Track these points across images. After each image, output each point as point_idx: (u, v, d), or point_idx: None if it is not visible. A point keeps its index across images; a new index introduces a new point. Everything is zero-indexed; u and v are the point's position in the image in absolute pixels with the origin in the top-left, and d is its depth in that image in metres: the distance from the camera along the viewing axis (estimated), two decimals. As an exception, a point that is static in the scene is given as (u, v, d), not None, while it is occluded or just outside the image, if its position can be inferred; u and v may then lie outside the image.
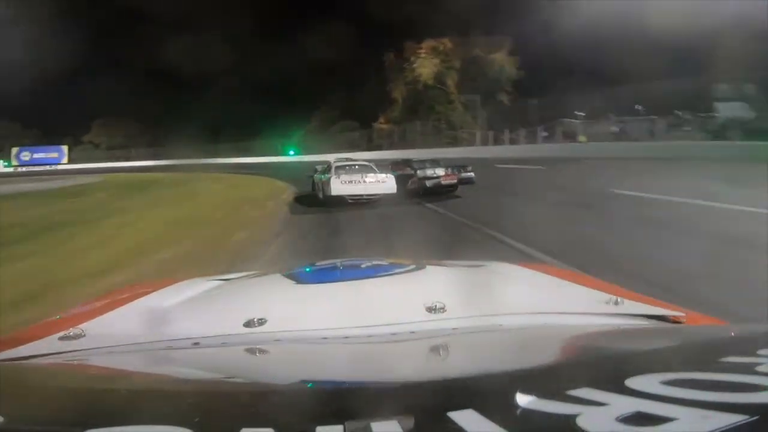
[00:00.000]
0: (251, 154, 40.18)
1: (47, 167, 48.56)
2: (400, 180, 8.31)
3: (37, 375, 0.53)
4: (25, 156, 51.90)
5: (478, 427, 0.28)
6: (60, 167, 49.23)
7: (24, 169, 49.35)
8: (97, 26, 48.07)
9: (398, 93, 31.08)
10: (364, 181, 7.62)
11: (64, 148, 52.49)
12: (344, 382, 0.46)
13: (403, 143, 28.48)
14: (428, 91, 29.36)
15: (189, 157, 44.90)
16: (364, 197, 7.60)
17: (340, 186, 7.46)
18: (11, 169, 49.63)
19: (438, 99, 29.07)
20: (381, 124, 33.12)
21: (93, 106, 49.81)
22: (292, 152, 38.09)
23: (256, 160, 36.57)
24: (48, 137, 51.90)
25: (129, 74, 48.66)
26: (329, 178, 7.61)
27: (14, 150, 51.38)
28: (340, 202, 7.47)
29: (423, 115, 28.90)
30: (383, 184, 7.73)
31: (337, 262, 1.20)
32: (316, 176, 8.77)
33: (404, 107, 30.90)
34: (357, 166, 8.22)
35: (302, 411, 0.34)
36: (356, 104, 36.06)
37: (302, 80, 43.75)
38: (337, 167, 7.98)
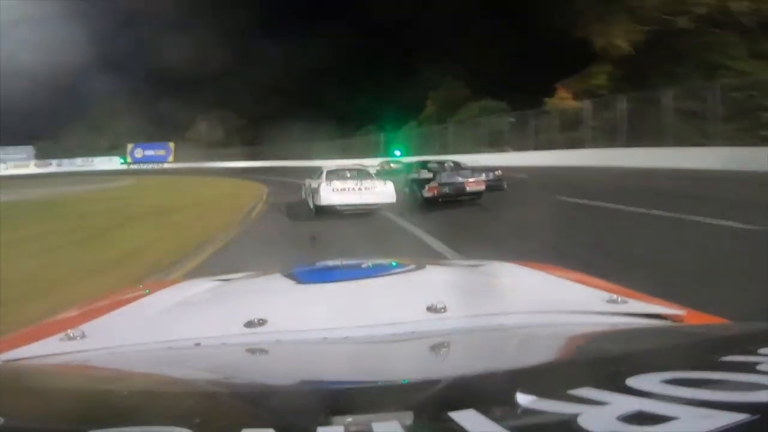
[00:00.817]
0: (350, 154, 29.88)
1: (155, 165, 47.30)
2: (416, 186, 7.60)
3: (38, 376, 0.53)
4: (138, 153, 51.60)
5: (479, 426, 0.28)
6: (166, 165, 47.52)
7: (135, 166, 48.89)
8: (204, 22, 45.86)
9: (608, 40, 15.41)
10: (359, 189, 6.70)
11: (171, 145, 50.79)
12: (345, 383, 0.46)
13: (638, 137, 13.60)
14: (686, 34, 13.48)
15: (284, 157, 37.81)
16: (359, 207, 6.73)
17: (331, 195, 6.57)
18: (125, 166, 49.85)
19: (713, 47, 13.12)
20: (562, 99, 18.49)
21: (200, 102, 46.95)
22: (398, 152, 26.47)
23: (354, 162, 26.01)
24: (161, 134, 50.97)
25: (232, 69, 44.71)
26: (319, 186, 6.70)
27: (129, 146, 51.69)
28: (332, 212, 6.69)
29: (674, 77, 13.36)
30: (381, 192, 6.85)
31: (338, 261, 1.23)
32: (307, 181, 7.99)
33: (625, 65, 15.57)
34: (352, 172, 7.39)
35: (303, 411, 0.34)
36: (505, 68, 21.56)
37: (422, 43, 31.31)
38: (329, 173, 7.16)
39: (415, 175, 7.98)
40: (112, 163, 50.22)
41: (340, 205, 6.62)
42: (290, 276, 0.98)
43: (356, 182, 6.79)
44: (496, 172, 7.70)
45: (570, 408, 0.29)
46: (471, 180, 7.18)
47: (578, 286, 0.88)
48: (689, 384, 0.32)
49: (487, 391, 0.36)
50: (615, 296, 0.75)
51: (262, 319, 0.67)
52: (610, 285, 0.89)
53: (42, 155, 50.44)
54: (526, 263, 1.13)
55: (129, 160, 50.86)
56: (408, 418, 0.30)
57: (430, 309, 0.69)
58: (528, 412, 0.30)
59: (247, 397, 0.40)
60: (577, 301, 0.77)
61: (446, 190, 7.07)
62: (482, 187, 7.22)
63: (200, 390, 0.45)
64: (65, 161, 49.97)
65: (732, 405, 0.28)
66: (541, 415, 0.29)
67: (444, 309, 0.68)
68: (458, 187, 7.11)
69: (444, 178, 7.19)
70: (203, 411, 0.34)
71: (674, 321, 0.69)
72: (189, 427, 0.29)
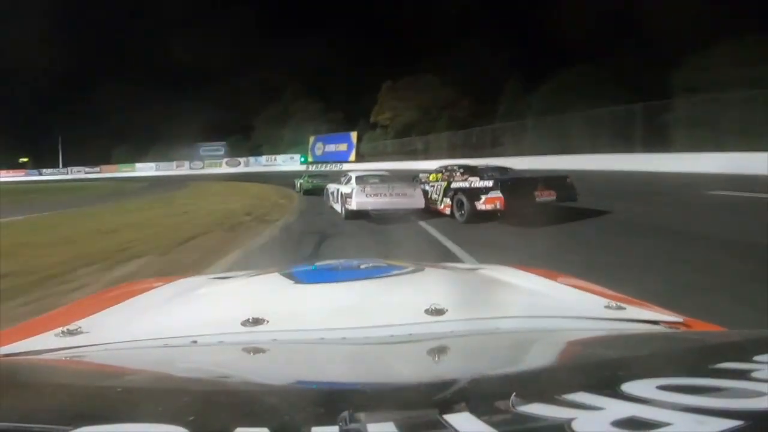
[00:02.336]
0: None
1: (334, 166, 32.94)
2: (464, 196, 5.94)
3: (34, 371, 0.53)
4: (318, 149, 38.91)
5: (474, 429, 0.28)
6: (346, 166, 32.35)
7: (313, 167, 35.95)
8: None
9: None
10: (390, 194, 6.51)
11: (353, 137, 35.42)
12: (341, 383, 0.46)
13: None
14: None
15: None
16: (390, 212, 6.57)
17: (364, 199, 6.43)
18: (304, 167, 37.99)
19: None
20: None
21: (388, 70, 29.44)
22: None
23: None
24: (348, 121, 36.59)
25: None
26: (352, 191, 6.60)
27: (311, 139, 39.49)
28: (363, 216, 6.60)
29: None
30: (410, 198, 6.62)
31: (337, 262, 1.21)
32: (332, 186, 8.21)
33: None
34: (381, 177, 7.44)
35: (298, 411, 0.34)
36: None
37: None
38: (359, 178, 7.19)
39: (462, 184, 6.16)
40: (294, 162, 39.42)
41: (372, 210, 6.55)
42: (288, 276, 0.97)
43: (387, 187, 6.63)
44: (567, 180, 5.99)
45: (564, 413, 0.29)
46: (541, 189, 5.58)
47: (576, 292, 0.88)
48: (684, 390, 0.32)
49: (482, 395, 0.35)
50: (612, 302, 0.74)
51: (259, 318, 0.67)
52: (608, 291, 0.89)
53: (232, 152, 44.74)
54: (524, 267, 1.11)
55: (310, 158, 38.78)
56: (403, 419, 0.29)
57: (428, 311, 0.68)
58: (523, 416, 0.29)
59: (242, 395, 0.39)
60: (574, 306, 0.76)
61: (514, 202, 5.43)
62: (553, 198, 5.64)
63: (195, 388, 0.44)
64: (252, 159, 42.42)
65: (726, 412, 0.28)
66: (536, 419, 0.29)
67: (442, 312, 0.68)
68: (527, 198, 5.48)
69: (510, 186, 5.60)
70: (198, 409, 0.34)
71: (671, 327, 0.68)
72: (183, 425, 0.28)
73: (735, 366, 0.37)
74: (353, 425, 0.29)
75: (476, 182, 5.90)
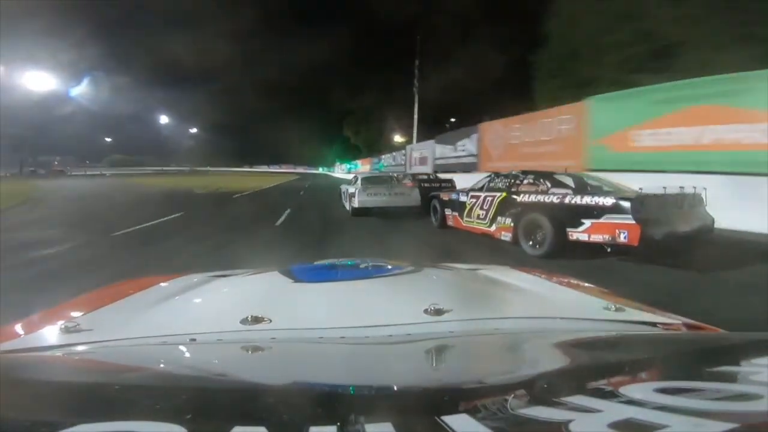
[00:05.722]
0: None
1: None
2: (545, 216, 4.20)
3: (34, 368, 0.53)
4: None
5: (472, 431, 0.28)
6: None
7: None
8: None
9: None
10: (390, 194, 8.10)
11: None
12: (339, 384, 0.45)
13: None
14: None
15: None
16: (389, 209, 7.95)
17: (366, 198, 8.00)
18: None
19: None
20: None
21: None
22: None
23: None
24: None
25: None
26: (356, 191, 8.09)
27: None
28: (367, 213, 8.00)
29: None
30: (408, 196, 8.13)
31: (336, 261, 1.25)
32: (344, 187, 9.87)
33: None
34: (383, 179, 8.93)
35: (296, 411, 0.34)
36: None
37: None
38: (364, 179, 8.60)
39: (539, 197, 4.32)
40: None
41: (373, 207, 7.97)
42: (288, 274, 0.98)
43: (387, 188, 8.16)
44: (699, 194, 4.10)
45: (562, 415, 0.29)
46: (685, 214, 3.93)
47: (575, 293, 0.87)
48: (681, 393, 0.32)
49: (480, 397, 0.36)
50: (611, 304, 0.74)
51: (258, 317, 0.67)
52: (607, 293, 0.89)
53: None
54: (523, 269, 1.14)
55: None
56: (401, 420, 0.30)
57: (427, 311, 0.68)
58: (520, 418, 0.30)
59: (240, 394, 0.39)
60: (573, 308, 0.76)
61: (654, 233, 3.53)
62: (693, 228, 3.98)
63: (193, 386, 0.44)
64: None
65: (724, 414, 0.28)
66: (534, 421, 0.29)
67: (440, 312, 0.68)
68: (670, 228, 3.66)
69: (648, 207, 3.62)
70: (196, 407, 0.34)
71: (669, 330, 0.68)
72: (180, 423, 0.29)
73: (733, 369, 0.38)
74: (351, 426, 0.28)
75: (573, 198, 4.03)
